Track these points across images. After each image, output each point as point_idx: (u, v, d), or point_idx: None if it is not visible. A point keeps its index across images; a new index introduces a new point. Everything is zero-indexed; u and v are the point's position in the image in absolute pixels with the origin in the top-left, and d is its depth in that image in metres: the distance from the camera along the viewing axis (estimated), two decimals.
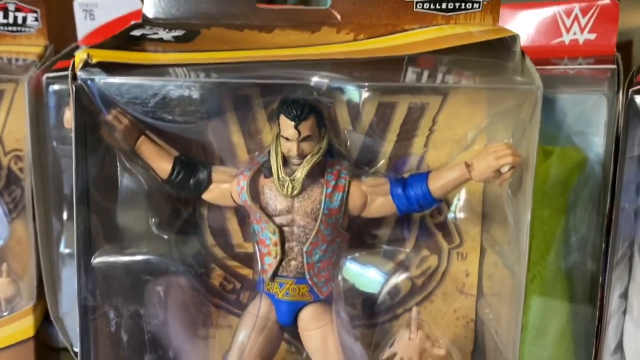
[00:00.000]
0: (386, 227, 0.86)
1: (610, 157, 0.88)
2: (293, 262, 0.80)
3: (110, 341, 0.83)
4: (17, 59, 1.07)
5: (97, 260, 0.80)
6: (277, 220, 0.79)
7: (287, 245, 0.80)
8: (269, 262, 0.80)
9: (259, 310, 0.82)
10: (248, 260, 0.88)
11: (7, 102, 1.03)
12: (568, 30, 0.97)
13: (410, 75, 0.74)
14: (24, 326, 1.05)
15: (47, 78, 0.99)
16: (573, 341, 0.96)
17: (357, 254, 0.84)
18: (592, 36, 0.96)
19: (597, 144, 0.91)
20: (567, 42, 0.97)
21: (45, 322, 1.08)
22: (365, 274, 0.86)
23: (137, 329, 0.83)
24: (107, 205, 0.82)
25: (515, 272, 0.78)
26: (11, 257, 1.05)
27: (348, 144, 0.81)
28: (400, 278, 0.87)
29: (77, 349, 1.02)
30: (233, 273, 0.89)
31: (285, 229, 0.79)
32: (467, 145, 0.81)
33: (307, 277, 0.80)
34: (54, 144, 1.00)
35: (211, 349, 0.90)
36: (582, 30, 0.96)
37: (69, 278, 1.03)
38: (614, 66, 0.90)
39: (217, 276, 0.89)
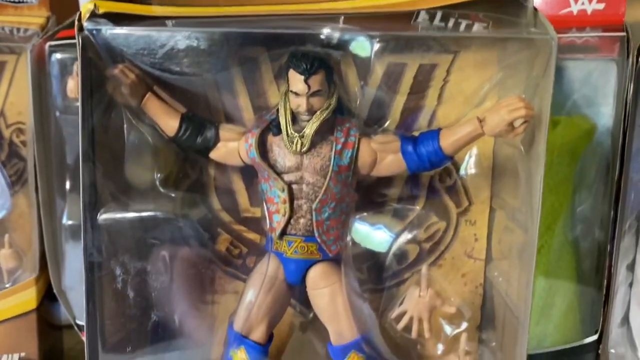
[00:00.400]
0: (396, 187, 0.85)
1: (619, 125, 0.88)
2: (302, 220, 0.79)
3: (116, 298, 0.82)
4: (18, 29, 1.06)
5: (103, 216, 0.79)
6: (286, 177, 0.78)
7: (295, 203, 0.78)
8: (278, 220, 0.79)
9: (267, 269, 0.81)
10: (255, 224, 0.87)
11: (9, 73, 1.01)
12: (576, 1, 0.96)
13: (423, 16, 0.73)
14: (26, 298, 1.03)
15: (50, 46, 0.98)
16: (580, 312, 0.96)
17: (365, 214, 0.84)
18: (601, 6, 0.95)
19: (605, 113, 0.91)
20: (575, 12, 0.96)
21: (47, 299, 1.06)
22: (374, 233, 0.85)
23: (143, 286, 0.83)
24: (113, 162, 0.81)
25: (528, 230, 0.77)
26: (14, 230, 1.04)
27: (358, 101, 0.80)
28: (408, 238, 0.86)
29: (80, 322, 1.02)
30: (239, 237, 0.88)
31: (294, 186, 0.78)
32: (478, 103, 0.80)
33: (316, 234, 0.79)
34: (57, 113, 0.99)
35: (217, 314, 0.89)
36: (590, 0, 0.96)
37: (71, 251, 1.03)
38: (624, 34, 0.90)
39: (224, 241, 0.88)
